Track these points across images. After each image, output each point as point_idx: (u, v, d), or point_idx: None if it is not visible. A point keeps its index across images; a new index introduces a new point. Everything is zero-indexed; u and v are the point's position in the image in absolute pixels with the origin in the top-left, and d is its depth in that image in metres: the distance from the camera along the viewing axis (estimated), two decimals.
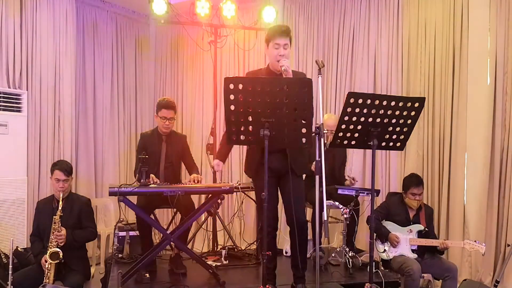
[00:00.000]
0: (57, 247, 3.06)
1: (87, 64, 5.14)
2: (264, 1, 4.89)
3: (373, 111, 2.63)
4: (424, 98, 2.79)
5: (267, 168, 2.48)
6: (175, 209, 3.92)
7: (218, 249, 4.47)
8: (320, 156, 2.41)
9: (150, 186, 3.28)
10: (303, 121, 2.49)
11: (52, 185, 3.33)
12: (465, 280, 3.65)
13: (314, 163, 3.81)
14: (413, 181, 3.50)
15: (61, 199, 3.18)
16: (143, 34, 5.76)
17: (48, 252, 3.04)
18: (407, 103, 2.66)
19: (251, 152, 3.03)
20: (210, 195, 3.68)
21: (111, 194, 3.17)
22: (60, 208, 3.14)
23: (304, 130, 2.50)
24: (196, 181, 3.45)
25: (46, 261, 3.04)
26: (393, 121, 2.69)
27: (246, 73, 3.09)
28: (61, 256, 3.02)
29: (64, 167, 3.31)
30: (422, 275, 3.28)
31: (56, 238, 3.08)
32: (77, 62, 4.91)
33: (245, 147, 3.32)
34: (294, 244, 3.05)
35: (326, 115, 4.33)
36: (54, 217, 3.12)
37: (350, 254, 3.63)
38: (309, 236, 4.15)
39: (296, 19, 5.20)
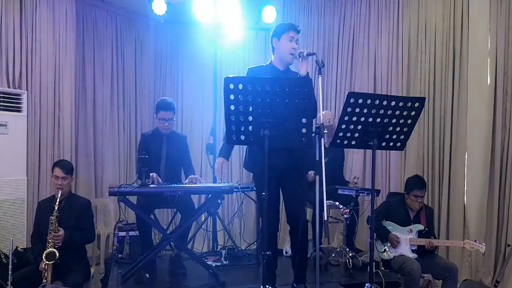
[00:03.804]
0: (54, 248, 3.06)
1: (87, 64, 5.13)
2: (264, 1, 4.89)
3: (373, 111, 2.63)
4: (424, 98, 2.80)
5: (267, 168, 2.48)
6: (175, 209, 3.92)
7: (218, 249, 4.48)
8: (320, 156, 2.41)
9: (150, 186, 3.28)
10: (303, 121, 2.49)
11: (52, 183, 3.33)
12: (465, 280, 3.65)
13: (309, 172, 3.86)
14: (417, 183, 3.48)
15: (58, 199, 3.17)
16: (143, 34, 5.76)
17: (44, 252, 3.03)
18: (407, 103, 2.66)
19: (253, 149, 3.02)
20: (210, 195, 3.68)
21: (111, 194, 3.18)
22: (56, 208, 3.13)
23: (304, 130, 2.50)
24: (193, 182, 3.45)
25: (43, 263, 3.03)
26: (393, 121, 2.69)
27: (248, 68, 3.08)
28: (57, 257, 3.01)
29: (63, 165, 3.31)
30: (422, 275, 3.28)
31: (53, 239, 3.08)
32: (77, 62, 4.91)
33: (245, 147, 3.32)
34: (294, 244, 3.05)
35: (324, 111, 4.31)
36: (50, 217, 3.11)
37: (350, 254, 3.64)
38: (309, 236, 4.18)
39: (296, 19, 5.19)
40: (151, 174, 3.36)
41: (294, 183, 2.96)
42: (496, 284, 3.58)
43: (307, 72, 2.84)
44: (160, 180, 3.46)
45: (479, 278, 3.98)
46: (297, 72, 2.91)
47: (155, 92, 5.87)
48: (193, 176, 3.54)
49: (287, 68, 2.98)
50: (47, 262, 2.99)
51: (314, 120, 2.67)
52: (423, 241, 3.38)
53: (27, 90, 4.34)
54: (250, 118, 2.47)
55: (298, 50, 2.82)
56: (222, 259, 3.99)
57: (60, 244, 3.09)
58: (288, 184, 2.96)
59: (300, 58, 2.80)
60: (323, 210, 2.36)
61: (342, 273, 3.63)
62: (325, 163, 2.43)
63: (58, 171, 3.27)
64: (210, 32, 5.02)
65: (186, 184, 3.44)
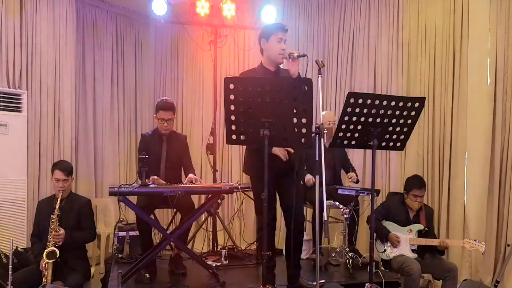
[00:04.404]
0: (55, 247, 3.06)
1: (87, 64, 5.13)
2: (264, 1, 4.89)
3: (373, 111, 2.63)
4: (424, 98, 2.79)
5: (267, 168, 2.48)
6: (175, 209, 3.92)
7: (218, 249, 4.47)
8: (320, 156, 2.40)
9: (150, 186, 3.28)
10: (303, 121, 2.49)
11: (53, 184, 3.34)
12: (465, 280, 3.65)
13: (306, 176, 3.86)
14: (416, 183, 3.48)
15: (59, 199, 3.18)
16: (143, 34, 5.76)
17: (45, 251, 3.04)
18: (407, 103, 2.66)
19: (252, 152, 3.03)
20: (210, 195, 3.68)
21: (111, 194, 3.18)
22: (57, 207, 3.14)
23: (304, 130, 2.50)
24: (192, 182, 3.44)
25: (43, 262, 3.04)
26: (393, 121, 2.69)
27: (239, 73, 3.08)
28: (57, 255, 3.02)
29: (64, 167, 3.31)
30: (422, 275, 3.28)
31: (54, 238, 3.08)
32: (77, 62, 4.91)
33: (245, 147, 3.31)
34: (293, 246, 3.04)
35: (325, 112, 4.31)
36: (51, 216, 3.12)
37: (350, 254, 3.64)
38: (309, 236, 4.18)
39: (296, 19, 5.20)
40: (152, 177, 3.36)
41: (291, 184, 2.95)
42: (496, 284, 3.58)
43: (298, 73, 2.83)
44: (163, 182, 3.45)
45: (479, 278, 3.98)
46: (288, 70, 2.91)
47: (155, 92, 5.88)
48: (192, 176, 3.53)
49: (277, 68, 2.98)
50: (48, 260, 3.00)
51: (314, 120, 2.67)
52: (422, 241, 3.39)
53: (27, 90, 4.34)
54: (250, 118, 2.47)
55: (288, 51, 2.81)
56: (222, 259, 3.99)
57: (61, 243, 3.09)
58: (285, 186, 2.96)
59: (291, 59, 2.78)
60: (323, 210, 2.36)
61: (342, 273, 3.63)
62: (326, 163, 2.42)
63: (59, 174, 3.27)
64: (210, 32, 5.02)
65: (185, 184, 3.44)
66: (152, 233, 3.63)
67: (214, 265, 3.74)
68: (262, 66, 2.99)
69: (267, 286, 2.54)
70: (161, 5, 4.62)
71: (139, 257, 3.60)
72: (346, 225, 3.74)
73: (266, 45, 2.92)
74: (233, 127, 2.51)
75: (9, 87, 4.22)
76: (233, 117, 2.47)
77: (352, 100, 2.58)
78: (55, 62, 4.58)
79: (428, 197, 4.28)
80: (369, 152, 3.60)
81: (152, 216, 3.73)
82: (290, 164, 2.93)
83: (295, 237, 3.02)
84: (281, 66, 3.03)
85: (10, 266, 2.96)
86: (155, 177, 3.40)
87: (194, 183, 3.44)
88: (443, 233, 4.19)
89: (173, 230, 3.62)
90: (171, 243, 3.49)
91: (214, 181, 4.83)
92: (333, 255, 3.97)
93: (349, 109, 2.61)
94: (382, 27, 4.70)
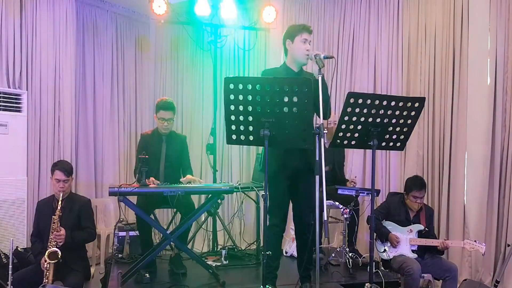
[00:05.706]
0: (56, 247, 3.06)
1: (87, 64, 5.14)
2: (264, 1, 4.89)
3: (373, 111, 2.63)
4: (424, 98, 2.79)
5: (267, 168, 2.49)
6: (175, 209, 3.92)
7: (218, 249, 4.47)
8: (320, 156, 2.40)
9: (150, 186, 3.29)
10: (303, 121, 2.49)
11: (52, 185, 3.33)
12: (465, 280, 3.65)
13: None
14: (416, 184, 3.47)
15: (60, 199, 3.18)
16: (143, 34, 5.76)
17: (47, 252, 3.04)
18: (407, 103, 2.66)
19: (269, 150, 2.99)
20: (210, 195, 3.68)
21: (111, 194, 3.18)
22: (59, 208, 3.14)
23: (304, 130, 2.50)
24: (190, 182, 3.44)
25: (45, 261, 3.04)
26: (393, 121, 2.69)
27: (262, 71, 3.07)
28: (59, 256, 3.02)
29: (64, 167, 3.30)
30: (422, 275, 3.28)
31: (55, 238, 3.08)
32: (77, 62, 4.91)
33: (245, 147, 3.31)
34: (303, 245, 3.03)
35: None
36: (53, 216, 3.12)
37: (350, 254, 3.64)
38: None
39: (296, 19, 5.20)
40: (151, 178, 3.36)
41: (306, 184, 2.91)
42: (496, 284, 3.58)
43: (323, 74, 2.82)
44: (159, 182, 3.45)
45: (479, 278, 3.98)
46: (311, 73, 2.90)
47: (155, 92, 5.87)
48: (189, 176, 3.53)
49: (301, 69, 2.99)
50: (50, 261, 3.00)
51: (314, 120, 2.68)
52: (422, 241, 3.38)
53: (27, 90, 4.34)
54: (250, 118, 2.47)
55: (315, 52, 2.80)
56: (222, 259, 3.99)
57: (62, 243, 3.09)
58: (300, 185, 2.93)
59: (316, 60, 2.77)
60: (323, 210, 2.36)
61: (342, 273, 3.62)
62: (327, 171, 2.42)
63: (60, 174, 3.26)
64: (210, 32, 5.02)
65: (182, 181, 3.45)
66: (152, 233, 3.63)
67: (214, 265, 3.75)
68: (286, 66, 2.99)
69: (267, 286, 2.54)
70: (161, 5, 4.62)
71: (139, 257, 3.61)
72: (346, 225, 3.74)
73: (291, 46, 2.92)
74: (233, 127, 2.52)
75: (9, 87, 4.22)
76: (233, 117, 2.48)
77: (352, 100, 2.58)
78: (55, 62, 4.59)
79: (428, 197, 4.28)
80: (369, 152, 3.60)
81: (152, 216, 3.73)
82: (307, 164, 2.86)
83: (307, 238, 3.00)
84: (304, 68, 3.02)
85: (10, 266, 2.96)
86: (153, 178, 3.40)
87: (192, 184, 3.44)
88: (443, 233, 4.18)
89: (173, 230, 3.63)
90: (171, 243, 3.50)
91: (214, 181, 4.83)
92: (333, 255, 3.97)
93: (349, 109, 2.60)
94: (382, 27, 4.70)
